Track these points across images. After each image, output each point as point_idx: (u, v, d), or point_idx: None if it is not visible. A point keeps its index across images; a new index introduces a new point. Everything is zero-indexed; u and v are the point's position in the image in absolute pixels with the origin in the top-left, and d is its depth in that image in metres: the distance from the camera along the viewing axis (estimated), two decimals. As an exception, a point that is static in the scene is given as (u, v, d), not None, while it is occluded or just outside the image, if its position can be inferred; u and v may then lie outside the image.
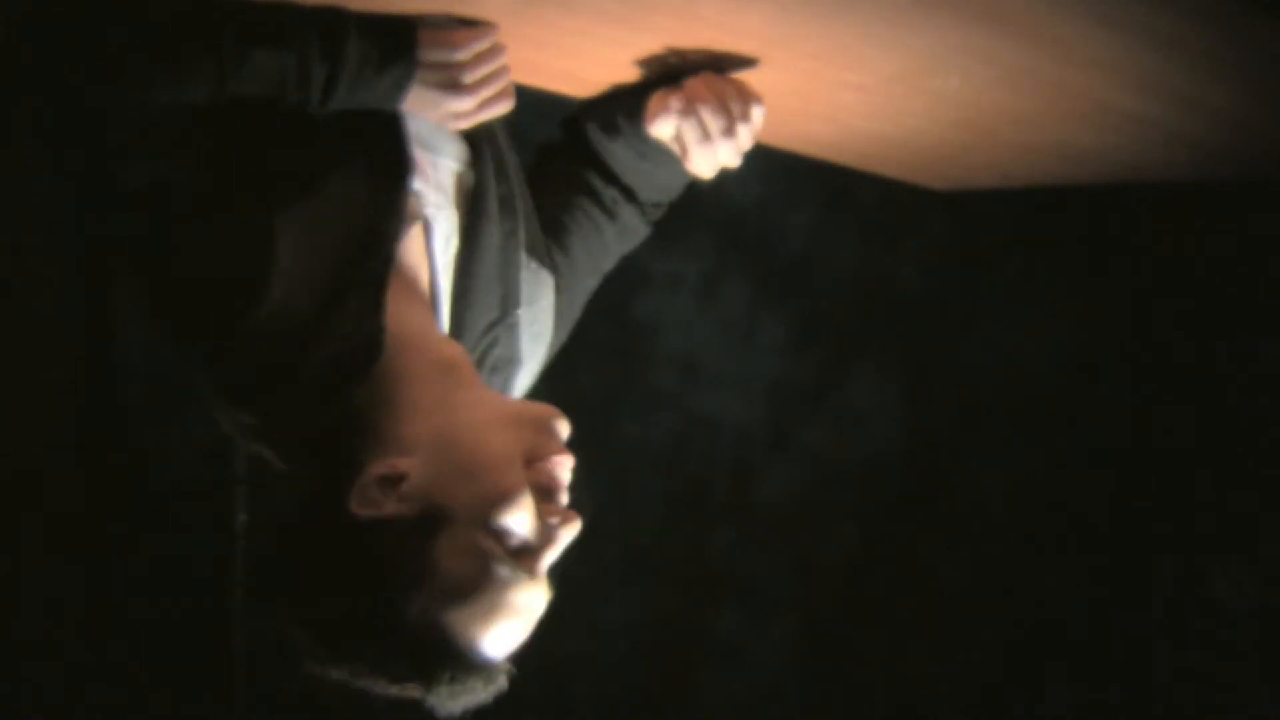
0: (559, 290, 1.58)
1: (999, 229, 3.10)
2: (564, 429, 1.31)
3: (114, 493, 2.56)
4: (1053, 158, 2.03)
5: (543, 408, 1.34)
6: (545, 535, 1.27)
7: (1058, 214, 2.96)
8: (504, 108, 1.41)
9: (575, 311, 1.64)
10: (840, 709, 3.22)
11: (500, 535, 1.24)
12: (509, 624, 1.26)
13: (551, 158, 1.64)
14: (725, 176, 1.62)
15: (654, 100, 1.55)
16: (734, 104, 1.53)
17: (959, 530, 3.20)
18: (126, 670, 2.56)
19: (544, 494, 1.28)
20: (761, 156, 1.64)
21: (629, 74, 1.56)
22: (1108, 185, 2.23)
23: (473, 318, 1.45)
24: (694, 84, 1.53)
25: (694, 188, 1.66)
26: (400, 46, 1.32)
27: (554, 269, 1.57)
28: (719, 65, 1.54)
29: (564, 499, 1.29)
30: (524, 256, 1.51)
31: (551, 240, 1.58)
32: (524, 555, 1.26)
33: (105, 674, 2.53)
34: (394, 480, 1.25)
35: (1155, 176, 2.13)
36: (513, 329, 1.51)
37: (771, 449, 3.24)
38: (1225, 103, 1.72)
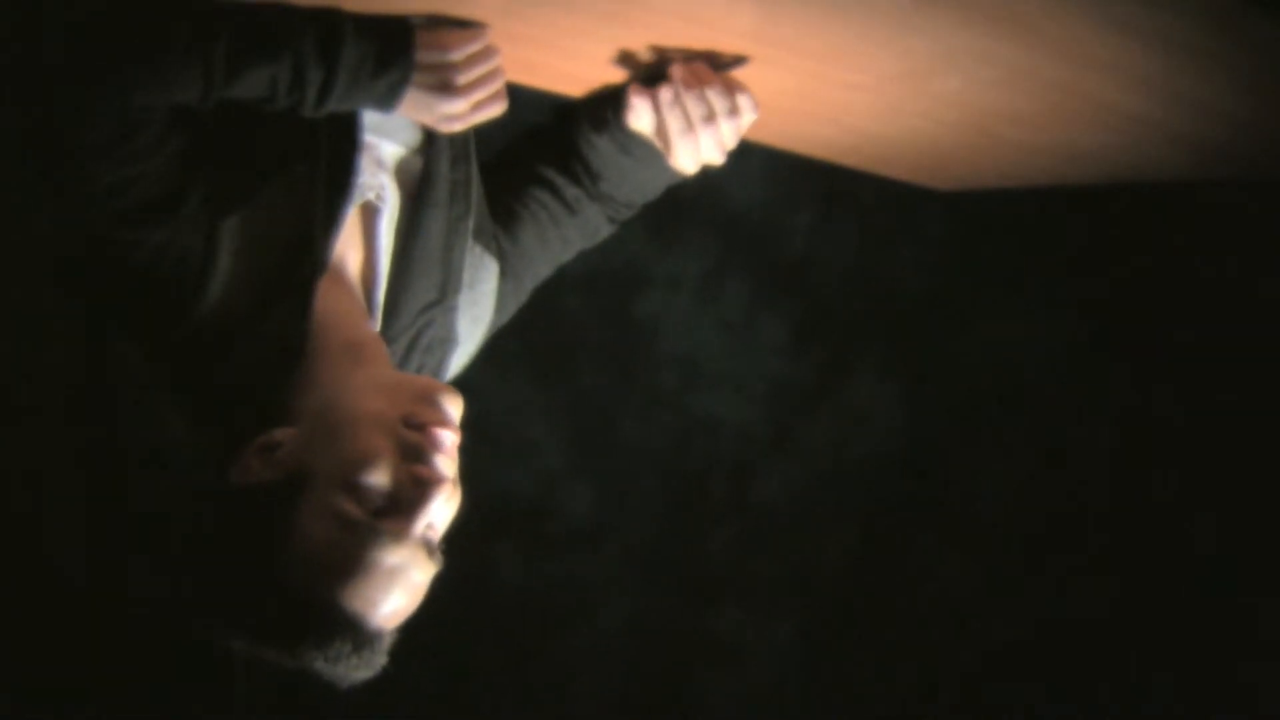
0: (503, 275, 1.59)
1: (999, 229, 3.10)
2: (448, 403, 1.28)
3: (113, 493, 2.56)
4: (1053, 158, 2.03)
5: (428, 381, 1.34)
6: (410, 496, 1.24)
7: (1058, 214, 2.96)
8: (497, 109, 1.41)
9: (521, 296, 1.64)
10: (840, 709, 3.22)
11: (359, 495, 1.23)
12: (374, 587, 1.23)
13: (530, 146, 1.64)
14: (725, 177, 1.62)
15: (633, 89, 1.54)
16: (717, 96, 1.52)
17: (958, 530, 3.20)
18: (127, 671, 2.56)
19: (412, 454, 1.25)
20: (761, 156, 1.64)
21: (627, 75, 1.56)
22: (1108, 185, 2.23)
23: (409, 299, 1.47)
24: (678, 71, 1.52)
25: (694, 188, 1.66)
26: (396, 50, 1.33)
27: (499, 255, 1.58)
28: (717, 66, 1.54)
29: (439, 463, 1.25)
30: (470, 242, 1.52)
31: (500, 227, 1.59)
32: (387, 516, 1.24)
33: (105, 675, 2.53)
34: (270, 449, 1.28)
35: (1155, 176, 2.13)
36: (451, 311, 1.52)
37: (771, 449, 3.24)
38: (1225, 103, 1.72)
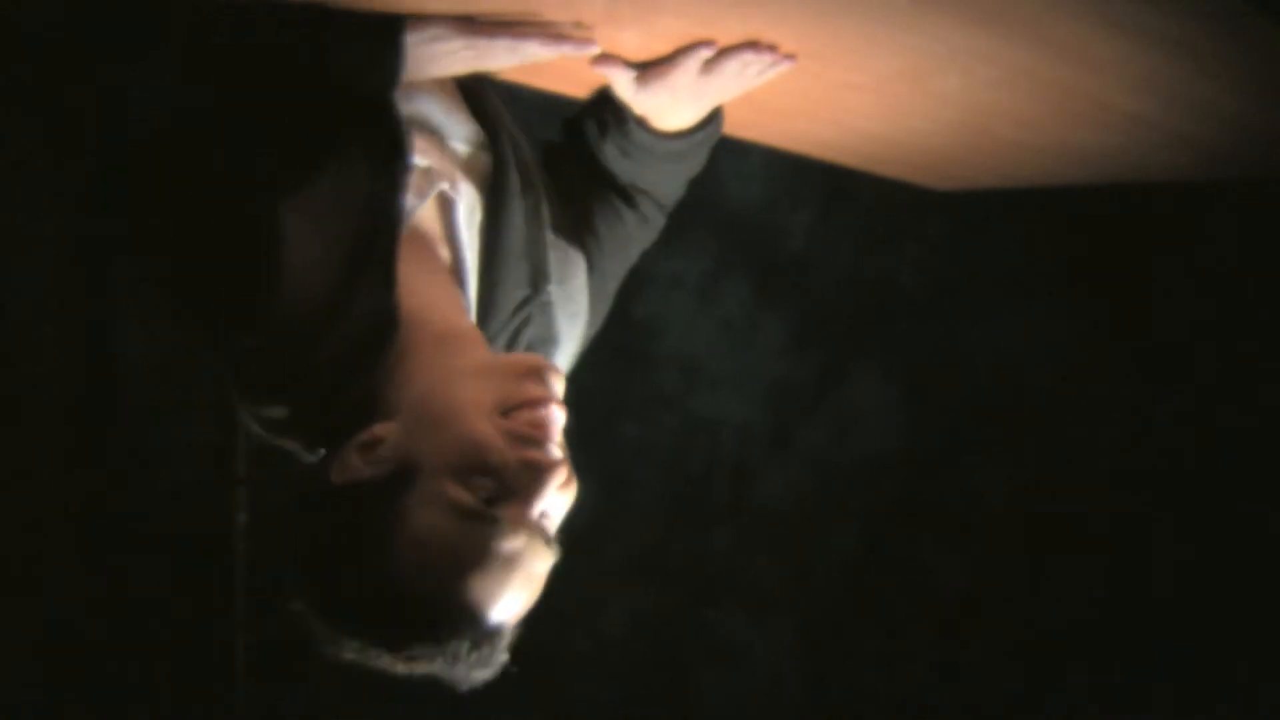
0: (591, 270, 1.54)
1: (999, 229, 3.10)
2: (550, 378, 1.24)
3: (113, 494, 2.56)
4: (1053, 158, 2.03)
5: (524, 357, 1.30)
6: (525, 482, 1.20)
7: (1058, 214, 2.96)
8: (502, 53, 1.33)
9: (608, 299, 1.60)
10: (840, 709, 3.22)
11: (471, 483, 1.20)
12: (494, 576, 1.20)
13: (559, 155, 1.63)
14: (725, 176, 1.61)
15: (613, 81, 1.48)
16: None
17: (958, 530, 3.20)
18: (127, 671, 2.56)
19: (522, 441, 1.21)
20: (761, 156, 1.63)
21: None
22: (1108, 185, 2.23)
23: (502, 294, 1.42)
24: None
25: (694, 188, 1.66)
26: (387, 28, 1.29)
27: (583, 248, 1.54)
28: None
29: (551, 448, 1.22)
30: (552, 235, 1.48)
31: (581, 225, 1.55)
32: (502, 503, 1.20)
33: (105, 674, 2.53)
34: (372, 445, 1.23)
35: (1155, 176, 2.13)
36: (546, 307, 1.47)
37: (771, 449, 3.24)
38: (1225, 103, 1.72)
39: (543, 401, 1.23)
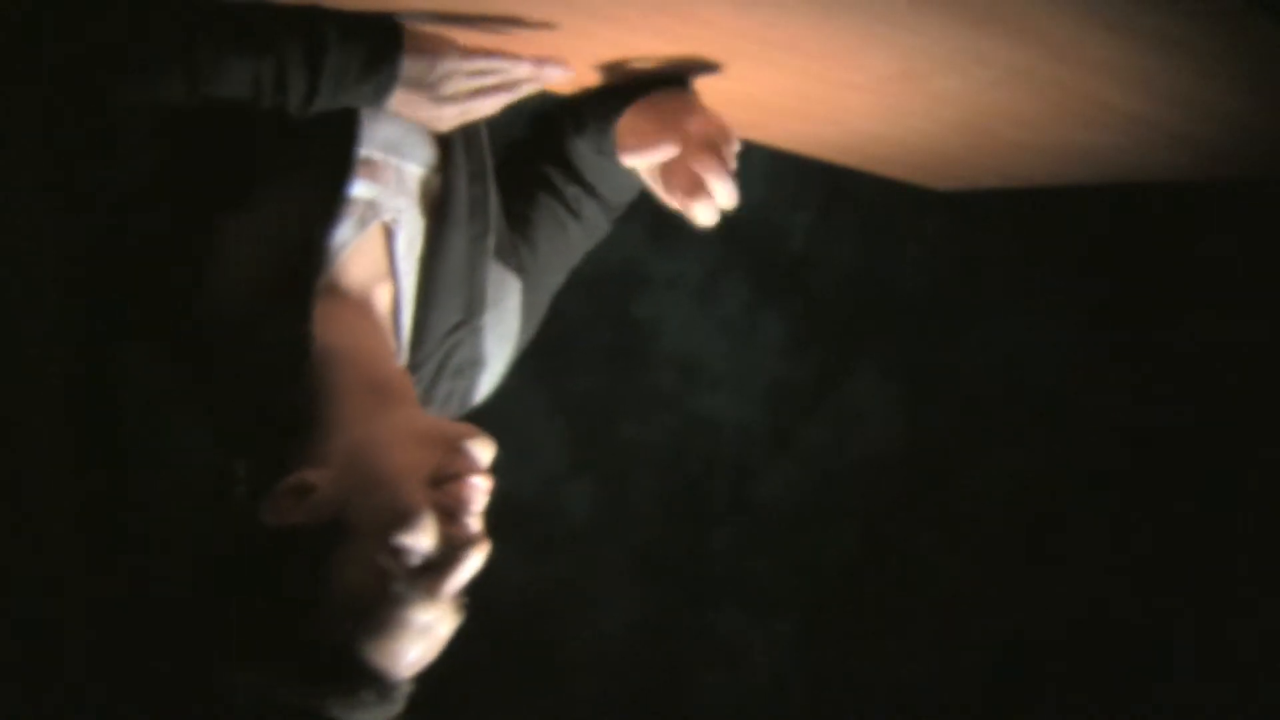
0: (526, 290, 1.58)
1: (999, 229, 3.10)
2: (480, 449, 1.28)
3: (113, 493, 2.56)
4: (1053, 158, 2.03)
5: (459, 427, 1.33)
6: (447, 557, 1.25)
7: (1058, 214, 2.96)
8: (489, 107, 1.41)
9: (542, 309, 1.64)
10: (840, 709, 3.22)
11: (398, 553, 1.23)
12: (404, 642, 1.24)
13: (519, 153, 1.64)
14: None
15: (626, 132, 1.53)
16: (723, 146, 1.50)
17: (959, 530, 3.20)
18: (126, 673, 2.56)
19: (448, 515, 1.25)
20: (761, 156, 1.63)
21: (626, 74, 1.56)
22: (1108, 185, 2.23)
23: (436, 320, 1.46)
24: (684, 134, 1.50)
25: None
26: (383, 55, 1.33)
27: (521, 270, 1.57)
28: (713, 67, 1.54)
29: (472, 522, 1.26)
30: (492, 260, 1.51)
31: (519, 238, 1.58)
32: (424, 575, 1.24)
33: (103, 676, 2.53)
34: (305, 491, 1.26)
35: (1155, 176, 2.13)
36: (478, 332, 1.51)
37: (771, 449, 3.24)
38: (1225, 103, 1.72)
39: (471, 474, 1.27)
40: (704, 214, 1.55)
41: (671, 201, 1.57)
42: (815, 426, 3.26)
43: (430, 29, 1.37)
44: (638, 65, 1.54)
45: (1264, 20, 1.45)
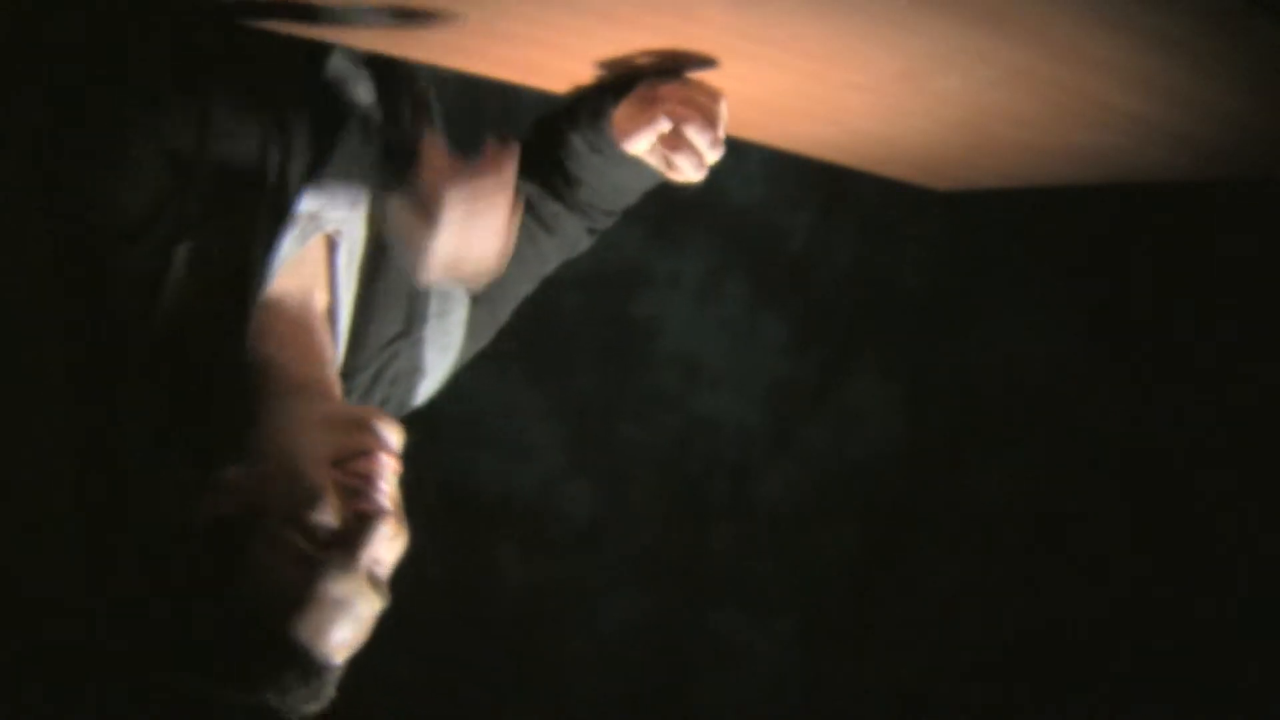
0: (477, 302, 1.59)
1: (999, 229, 3.10)
2: (380, 429, 1.32)
3: (112, 495, 2.55)
4: (1053, 158, 2.03)
5: (364, 410, 1.39)
6: (354, 531, 1.29)
7: (1058, 214, 2.96)
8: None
9: (500, 318, 1.66)
10: (840, 709, 3.22)
11: (306, 530, 1.27)
12: (322, 616, 1.27)
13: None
14: (725, 176, 1.61)
15: (622, 118, 1.54)
16: (712, 108, 1.52)
17: (959, 530, 3.20)
18: (124, 673, 2.56)
19: (353, 492, 1.30)
20: (761, 156, 1.63)
21: (624, 73, 1.56)
22: (1108, 185, 2.22)
23: (373, 332, 1.48)
24: (668, 101, 1.51)
25: (694, 188, 1.66)
26: (395, 168, 1.38)
27: None
28: (712, 67, 1.54)
29: (379, 497, 1.31)
30: None
31: None
32: (335, 548, 1.28)
33: (103, 676, 2.53)
34: (225, 486, 1.30)
35: (1155, 176, 2.13)
36: (417, 344, 1.54)
37: (771, 449, 3.24)
38: (1225, 103, 1.72)
39: (372, 451, 1.32)
40: (686, 167, 1.54)
41: (676, 177, 1.58)
42: (815, 426, 3.26)
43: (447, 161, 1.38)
44: (637, 64, 1.54)
45: (1264, 20, 1.45)
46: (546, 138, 1.61)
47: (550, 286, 1.71)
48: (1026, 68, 1.57)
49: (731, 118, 1.57)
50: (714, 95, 1.53)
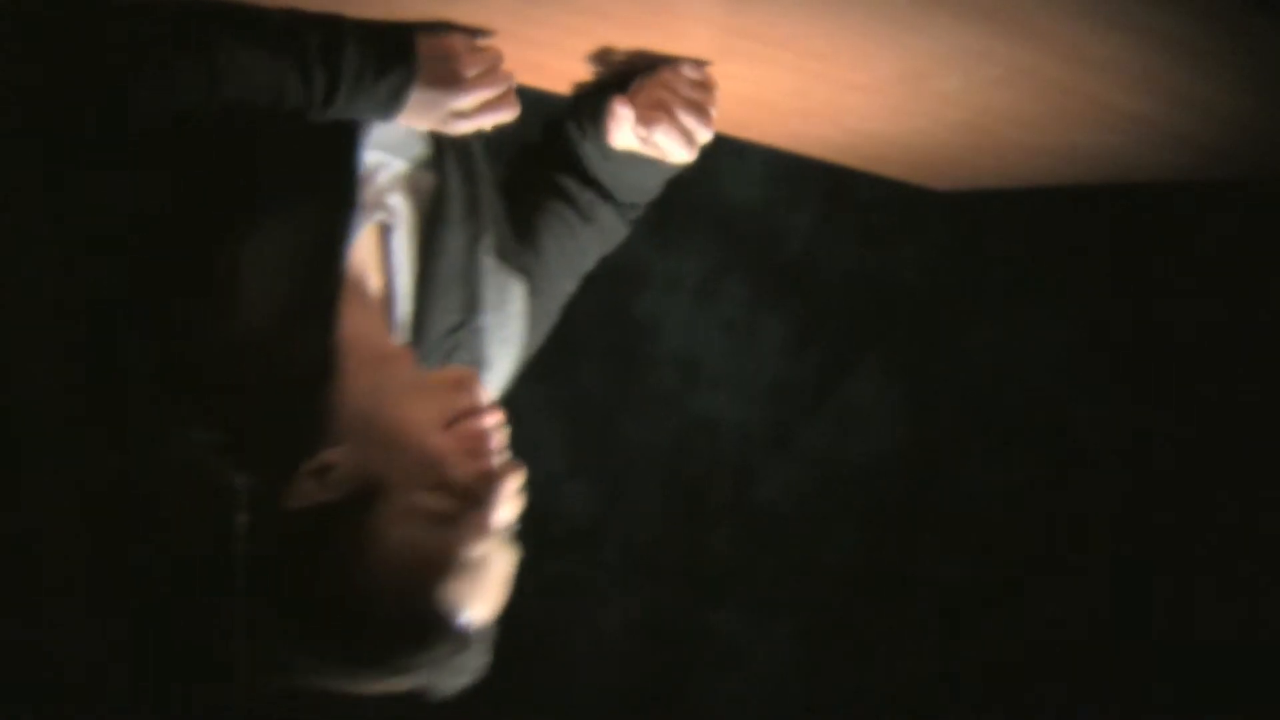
0: (532, 294, 1.58)
1: (999, 229, 3.10)
2: (476, 387, 1.31)
3: (112, 495, 2.55)
4: (1054, 158, 2.03)
5: (450, 370, 1.37)
6: (485, 490, 1.26)
7: (1058, 214, 2.96)
8: (506, 114, 1.41)
9: (552, 315, 1.65)
10: (840, 709, 3.22)
11: (437, 495, 1.25)
12: (467, 579, 1.24)
13: (531, 160, 1.64)
14: (725, 176, 1.61)
15: (610, 117, 1.54)
16: (697, 93, 1.53)
17: (959, 531, 3.20)
18: (124, 673, 2.55)
19: (473, 452, 1.28)
20: (761, 156, 1.63)
21: (626, 74, 1.56)
22: (1108, 185, 2.23)
23: (434, 320, 1.46)
24: (651, 92, 1.52)
25: (694, 188, 1.66)
26: (398, 53, 1.33)
27: (525, 273, 1.57)
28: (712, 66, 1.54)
29: (493, 455, 1.28)
30: (493, 261, 1.51)
31: (525, 244, 1.58)
32: (467, 511, 1.25)
33: (102, 676, 2.53)
34: (324, 470, 1.25)
35: (1155, 176, 2.13)
36: (478, 333, 1.51)
37: (771, 449, 3.24)
38: (1225, 103, 1.72)
39: (478, 411, 1.29)
40: (671, 147, 1.55)
41: (668, 157, 1.58)
42: (815, 426, 3.26)
43: (445, 33, 1.37)
44: (637, 64, 1.54)
45: (1264, 20, 1.45)
46: (557, 144, 1.61)
47: (550, 286, 1.70)
48: (1027, 68, 1.57)
49: (732, 118, 1.58)
50: (699, 67, 1.53)
